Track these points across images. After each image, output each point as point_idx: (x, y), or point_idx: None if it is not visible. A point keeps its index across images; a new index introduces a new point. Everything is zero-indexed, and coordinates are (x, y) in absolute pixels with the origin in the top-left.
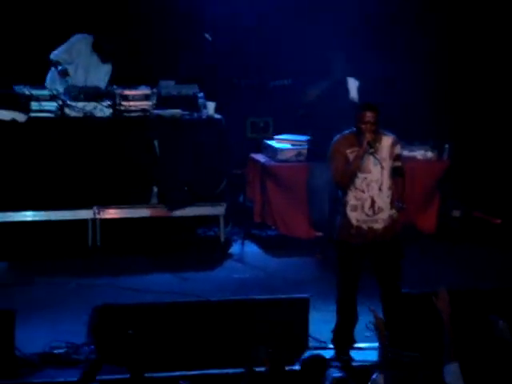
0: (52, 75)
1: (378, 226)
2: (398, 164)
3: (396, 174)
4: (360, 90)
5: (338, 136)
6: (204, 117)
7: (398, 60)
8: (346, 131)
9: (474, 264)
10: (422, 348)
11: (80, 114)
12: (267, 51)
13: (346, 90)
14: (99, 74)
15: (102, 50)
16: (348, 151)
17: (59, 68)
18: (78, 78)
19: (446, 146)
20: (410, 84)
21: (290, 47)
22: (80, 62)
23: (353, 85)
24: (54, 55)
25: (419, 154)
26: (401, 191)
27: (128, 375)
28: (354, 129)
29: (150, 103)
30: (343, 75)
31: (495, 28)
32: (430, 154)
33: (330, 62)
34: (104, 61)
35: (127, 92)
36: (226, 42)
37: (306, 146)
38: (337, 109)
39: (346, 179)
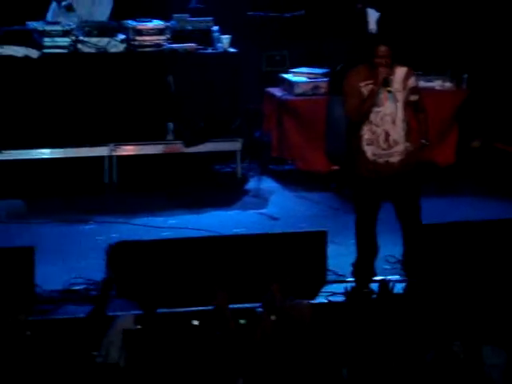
0: (53, 11)
1: (394, 159)
2: (415, 97)
3: (416, 109)
4: (379, 21)
5: (351, 70)
6: (219, 51)
7: None
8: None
9: (493, 195)
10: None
11: (93, 50)
12: None
13: (365, 22)
14: (102, 6)
15: None
16: (361, 84)
17: (63, 3)
18: (82, 11)
19: (465, 75)
20: (427, 15)
21: None
22: None
23: (372, 17)
24: None
25: (437, 84)
26: (424, 127)
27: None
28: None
29: (163, 38)
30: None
31: None
32: (448, 84)
33: None
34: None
35: (141, 26)
36: None
37: (323, 79)
38: (354, 41)
39: (360, 114)
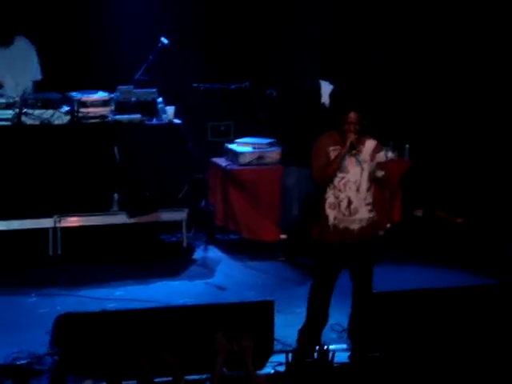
0: None
1: (354, 226)
2: (381, 173)
3: (382, 186)
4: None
5: (322, 134)
6: (164, 122)
7: (357, 62)
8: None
9: (435, 264)
10: (389, 347)
11: (37, 122)
12: (225, 54)
13: (318, 95)
14: (26, 66)
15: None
16: (330, 148)
17: None
18: (7, 80)
19: (407, 146)
20: (369, 85)
21: (248, 49)
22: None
23: (326, 89)
24: None
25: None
26: (388, 205)
27: None
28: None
29: (108, 109)
30: (315, 79)
31: (448, 27)
32: (390, 154)
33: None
34: (19, 50)
35: (85, 98)
36: (183, 45)
37: (268, 149)
38: (307, 113)
39: (325, 177)
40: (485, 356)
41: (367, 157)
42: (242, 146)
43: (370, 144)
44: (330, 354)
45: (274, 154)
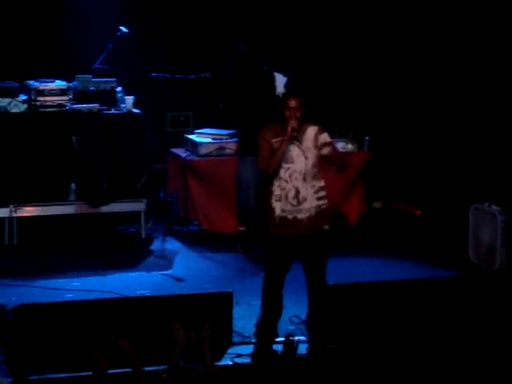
0: None
1: (302, 215)
2: (325, 151)
3: (330, 163)
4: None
5: (265, 126)
6: (122, 111)
7: (315, 54)
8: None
9: (394, 256)
10: (346, 339)
11: None
12: (185, 43)
13: (273, 86)
14: None
15: None
16: (274, 140)
17: None
18: None
19: (366, 138)
20: (329, 77)
21: (208, 39)
22: None
23: (281, 81)
24: None
25: (340, 145)
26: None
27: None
28: (281, 119)
29: (66, 98)
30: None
31: (409, 23)
32: (350, 146)
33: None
34: None
35: (43, 87)
36: (142, 34)
37: (228, 140)
38: (262, 104)
39: (271, 167)
40: (443, 348)
41: (310, 144)
42: (202, 137)
43: (311, 130)
44: (295, 344)
45: (233, 145)
